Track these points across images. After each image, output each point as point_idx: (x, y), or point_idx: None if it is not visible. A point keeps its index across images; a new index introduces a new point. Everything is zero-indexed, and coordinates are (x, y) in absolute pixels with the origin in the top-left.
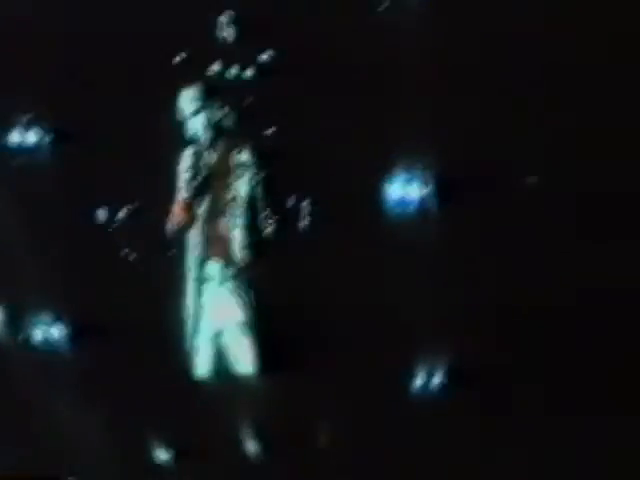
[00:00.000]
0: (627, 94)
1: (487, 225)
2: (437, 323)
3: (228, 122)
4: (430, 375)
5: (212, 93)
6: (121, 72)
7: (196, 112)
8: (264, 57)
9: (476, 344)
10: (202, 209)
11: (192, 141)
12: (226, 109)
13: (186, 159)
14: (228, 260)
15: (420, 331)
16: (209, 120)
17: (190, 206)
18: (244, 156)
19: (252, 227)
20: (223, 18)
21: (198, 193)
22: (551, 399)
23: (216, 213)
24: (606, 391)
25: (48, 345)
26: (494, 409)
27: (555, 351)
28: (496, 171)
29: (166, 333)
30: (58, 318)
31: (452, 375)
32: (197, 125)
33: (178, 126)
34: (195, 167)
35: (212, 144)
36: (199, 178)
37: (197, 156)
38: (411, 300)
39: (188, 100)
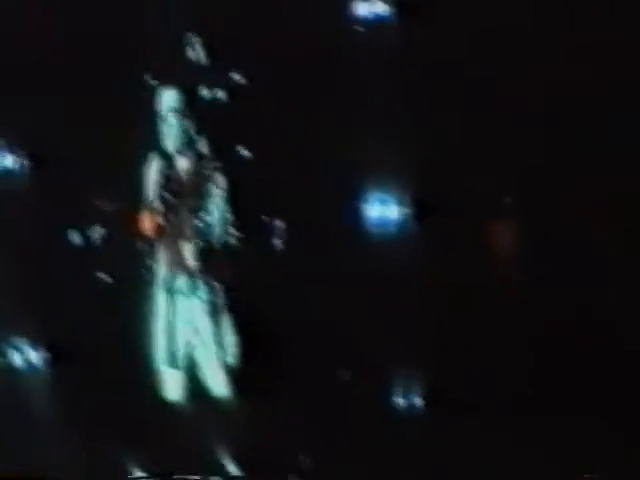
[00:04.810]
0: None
1: (464, 245)
2: (415, 344)
3: (201, 133)
4: (409, 395)
5: (191, 96)
6: (93, 96)
7: (172, 114)
8: (236, 78)
9: (455, 365)
10: (169, 222)
11: (163, 150)
12: (198, 121)
13: (155, 168)
14: (194, 273)
15: (399, 352)
16: (184, 124)
17: (158, 217)
18: (213, 171)
19: (216, 241)
20: (195, 40)
21: (166, 204)
22: (526, 418)
23: (182, 228)
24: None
25: (26, 369)
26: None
27: (530, 371)
28: (472, 191)
29: (139, 353)
30: (34, 342)
31: (432, 396)
32: (172, 129)
33: (150, 149)
34: (164, 177)
35: (183, 152)
36: (168, 189)
37: (167, 166)
38: (388, 320)
39: (167, 100)
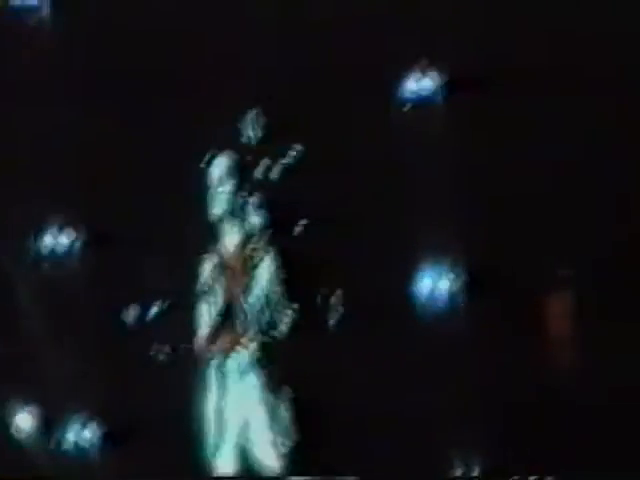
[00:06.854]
0: None
1: (517, 317)
2: (470, 417)
3: (253, 204)
4: (469, 470)
5: (243, 165)
6: (149, 174)
7: (225, 180)
8: (291, 154)
9: (510, 440)
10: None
11: (216, 223)
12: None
13: (206, 274)
14: (246, 353)
15: (452, 427)
16: (234, 193)
17: (215, 336)
18: (262, 248)
19: (268, 321)
20: (249, 117)
21: (221, 320)
22: None
23: (232, 306)
24: None
25: (80, 447)
26: None
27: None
28: (525, 264)
29: (193, 430)
30: (89, 419)
31: (489, 473)
32: (222, 197)
33: (206, 225)
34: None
35: (233, 224)
36: (219, 300)
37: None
38: (442, 395)
39: (219, 167)
